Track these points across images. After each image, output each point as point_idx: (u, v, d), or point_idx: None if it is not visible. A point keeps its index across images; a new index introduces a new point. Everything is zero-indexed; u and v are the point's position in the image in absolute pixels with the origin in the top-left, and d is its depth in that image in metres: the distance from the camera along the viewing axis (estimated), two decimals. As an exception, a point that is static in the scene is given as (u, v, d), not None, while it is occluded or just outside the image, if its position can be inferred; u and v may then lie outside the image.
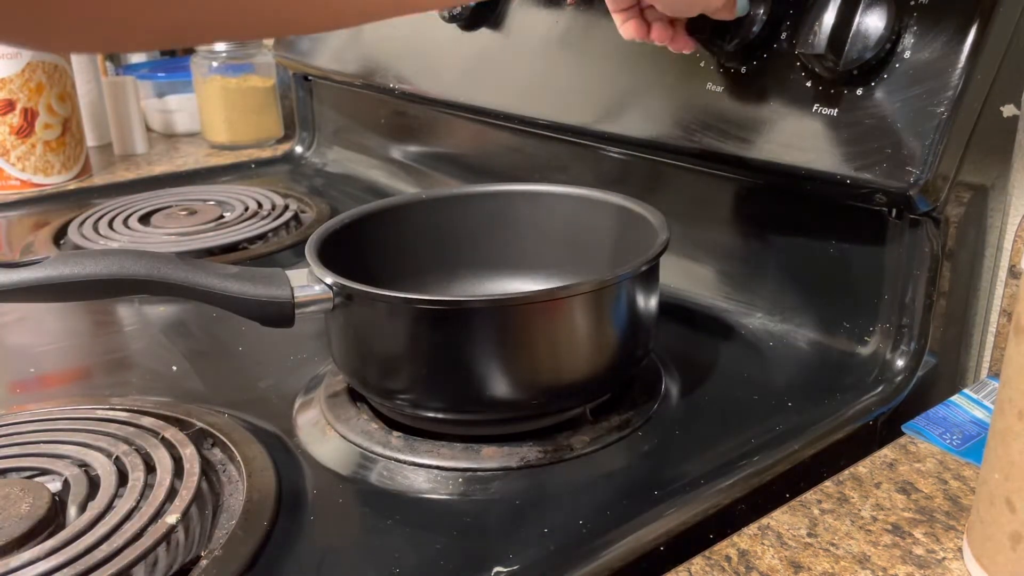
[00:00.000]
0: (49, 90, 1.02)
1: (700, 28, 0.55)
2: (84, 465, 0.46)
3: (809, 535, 0.41)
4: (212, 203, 0.92)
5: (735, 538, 0.41)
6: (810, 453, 0.48)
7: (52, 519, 0.42)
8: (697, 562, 0.39)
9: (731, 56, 0.56)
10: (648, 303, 0.51)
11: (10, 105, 1.00)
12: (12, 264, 0.44)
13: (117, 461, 0.46)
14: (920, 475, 0.45)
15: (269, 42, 1.13)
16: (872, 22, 0.48)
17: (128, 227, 0.85)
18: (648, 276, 0.50)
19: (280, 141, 1.21)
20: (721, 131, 0.56)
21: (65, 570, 0.38)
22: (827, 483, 0.44)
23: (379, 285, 0.46)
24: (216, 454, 0.49)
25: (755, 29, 0.54)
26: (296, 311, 0.48)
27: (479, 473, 0.46)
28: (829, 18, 0.49)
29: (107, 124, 1.21)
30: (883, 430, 0.52)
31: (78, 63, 1.17)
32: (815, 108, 0.52)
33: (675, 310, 0.64)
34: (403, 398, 0.48)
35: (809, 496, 0.43)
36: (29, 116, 1.01)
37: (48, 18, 0.27)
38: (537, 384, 0.47)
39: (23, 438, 0.49)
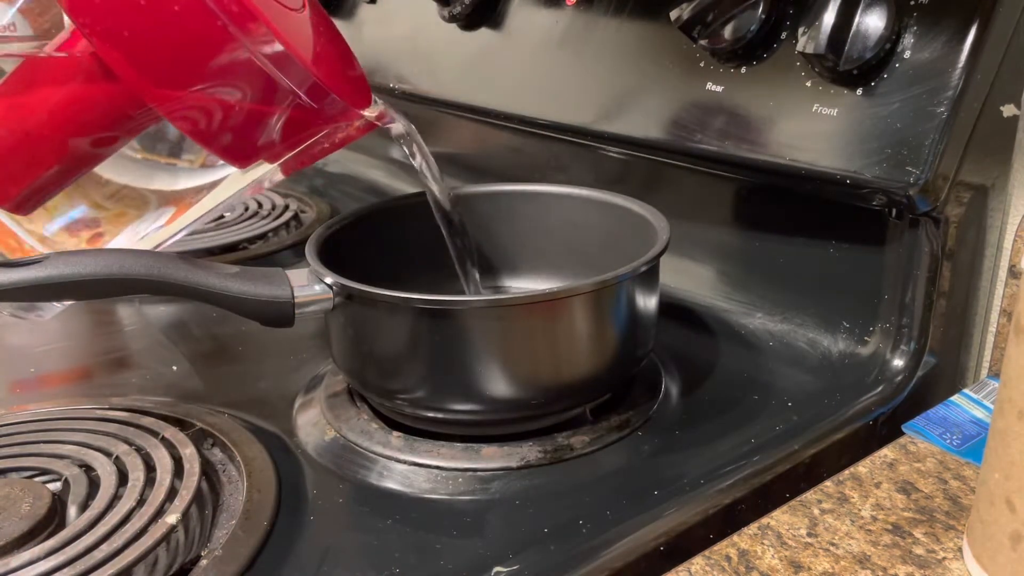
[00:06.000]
0: (49, 90, 1.02)
1: (698, 27, 0.55)
2: (84, 465, 0.46)
3: (809, 535, 0.41)
4: (212, 203, 0.92)
5: (735, 538, 0.41)
6: (810, 453, 0.48)
7: (52, 519, 0.42)
8: (697, 562, 0.39)
9: (731, 56, 0.56)
10: (648, 303, 0.51)
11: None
12: (12, 263, 0.44)
13: (117, 461, 0.46)
14: (920, 475, 0.45)
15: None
16: (872, 22, 0.48)
17: (128, 227, 0.85)
18: (648, 276, 0.50)
19: (280, 141, 1.21)
20: (721, 131, 0.56)
21: (65, 570, 0.38)
22: (827, 483, 0.44)
23: (379, 285, 0.46)
24: (216, 454, 0.49)
25: (755, 29, 0.54)
26: (296, 311, 0.48)
27: (479, 473, 0.46)
28: (829, 18, 0.49)
29: (107, 124, 1.21)
30: (883, 430, 0.52)
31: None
32: (815, 108, 0.52)
33: (675, 310, 0.64)
34: (403, 398, 0.48)
35: (809, 496, 0.43)
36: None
37: None
38: (537, 384, 0.47)
39: (23, 438, 0.49)
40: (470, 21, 0.76)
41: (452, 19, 0.77)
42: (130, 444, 0.48)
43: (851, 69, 0.49)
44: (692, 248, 0.65)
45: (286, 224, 0.86)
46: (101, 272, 0.45)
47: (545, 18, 0.70)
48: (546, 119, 0.69)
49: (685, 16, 0.55)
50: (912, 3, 0.49)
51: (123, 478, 0.45)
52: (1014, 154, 0.54)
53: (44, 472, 0.46)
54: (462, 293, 0.60)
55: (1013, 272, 0.54)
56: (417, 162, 0.55)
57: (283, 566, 0.40)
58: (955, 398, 0.51)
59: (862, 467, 0.46)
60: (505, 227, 0.62)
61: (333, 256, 0.50)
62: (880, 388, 0.53)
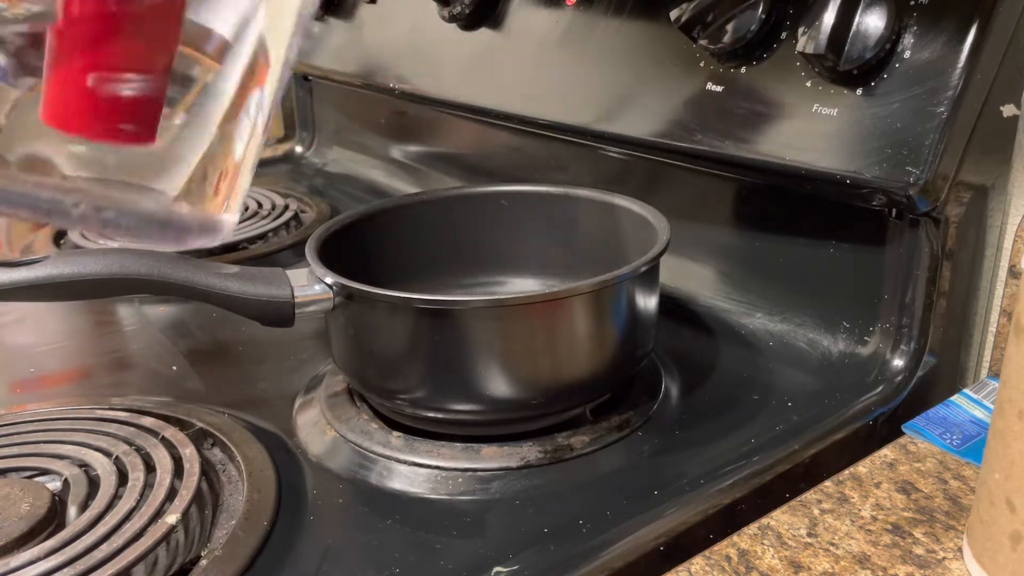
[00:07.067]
0: (49, 90, 1.02)
1: (698, 27, 0.55)
2: (84, 465, 0.46)
3: (809, 535, 0.41)
4: (212, 203, 0.92)
5: (735, 538, 0.41)
6: (810, 453, 0.48)
7: (52, 519, 0.42)
8: (697, 562, 0.39)
9: (731, 56, 0.56)
10: (648, 303, 0.51)
11: (10, 105, 0.99)
12: (12, 263, 0.44)
13: (117, 461, 0.46)
14: (920, 475, 0.45)
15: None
16: (872, 22, 0.48)
17: (128, 227, 0.85)
18: (648, 276, 0.50)
19: (280, 141, 1.21)
20: (721, 131, 0.56)
21: (65, 570, 0.38)
22: (827, 483, 0.44)
23: (379, 285, 0.46)
24: (216, 454, 0.49)
25: (755, 29, 0.54)
26: (296, 311, 0.48)
27: (479, 473, 0.46)
28: (829, 18, 0.49)
29: (107, 124, 1.20)
30: (883, 430, 0.52)
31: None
32: (815, 108, 0.52)
33: (675, 310, 0.64)
34: (403, 398, 0.48)
35: (809, 496, 0.43)
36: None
37: None
38: (537, 384, 0.47)
39: (23, 438, 0.49)
40: (470, 21, 0.76)
41: (452, 19, 0.77)
42: (130, 444, 0.48)
43: (851, 69, 0.49)
44: (692, 248, 0.65)
45: (286, 224, 0.86)
46: (101, 272, 0.45)
47: (545, 18, 0.70)
48: (546, 119, 0.69)
49: (685, 16, 0.55)
50: (912, 3, 0.49)
51: (123, 478, 0.45)
52: (1014, 154, 0.54)
53: (44, 472, 0.46)
54: (462, 293, 0.60)
55: (1013, 272, 0.54)
56: None
57: (283, 566, 0.40)
58: (955, 398, 0.51)
59: (862, 467, 0.46)
60: (505, 227, 0.62)
61: (333, 256, 0.50)
62: (880, 388, 0.53)
